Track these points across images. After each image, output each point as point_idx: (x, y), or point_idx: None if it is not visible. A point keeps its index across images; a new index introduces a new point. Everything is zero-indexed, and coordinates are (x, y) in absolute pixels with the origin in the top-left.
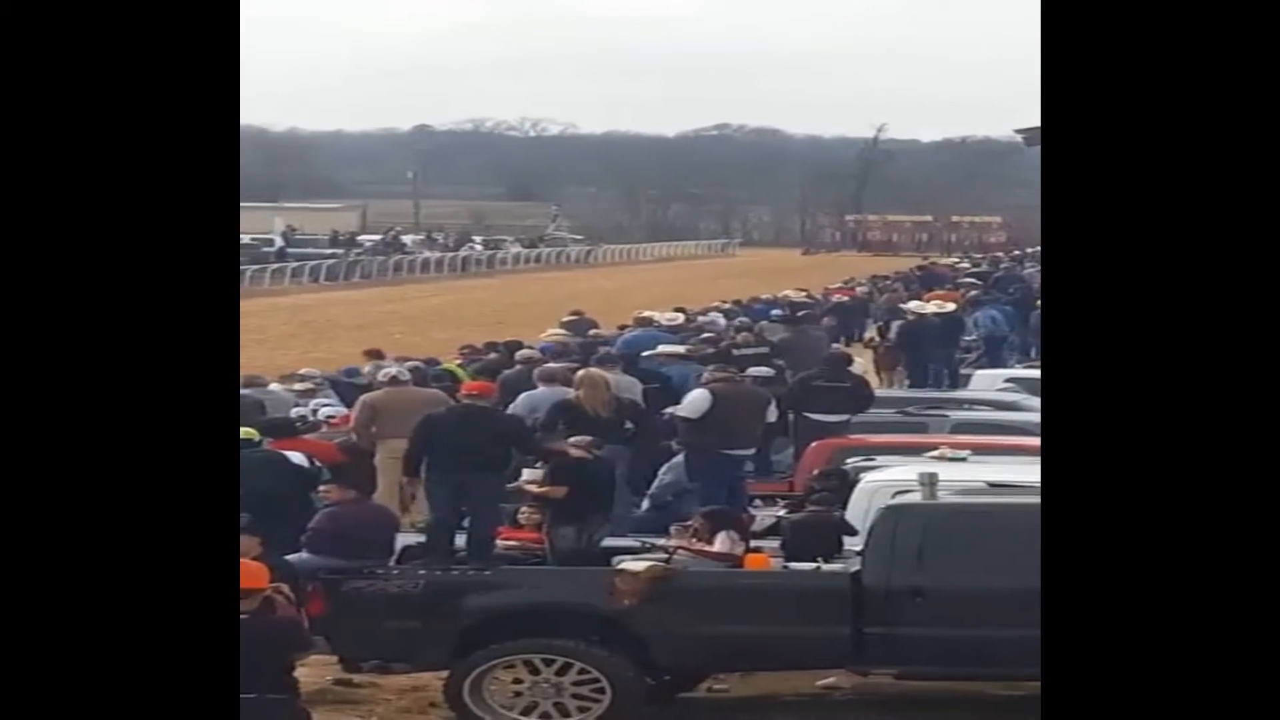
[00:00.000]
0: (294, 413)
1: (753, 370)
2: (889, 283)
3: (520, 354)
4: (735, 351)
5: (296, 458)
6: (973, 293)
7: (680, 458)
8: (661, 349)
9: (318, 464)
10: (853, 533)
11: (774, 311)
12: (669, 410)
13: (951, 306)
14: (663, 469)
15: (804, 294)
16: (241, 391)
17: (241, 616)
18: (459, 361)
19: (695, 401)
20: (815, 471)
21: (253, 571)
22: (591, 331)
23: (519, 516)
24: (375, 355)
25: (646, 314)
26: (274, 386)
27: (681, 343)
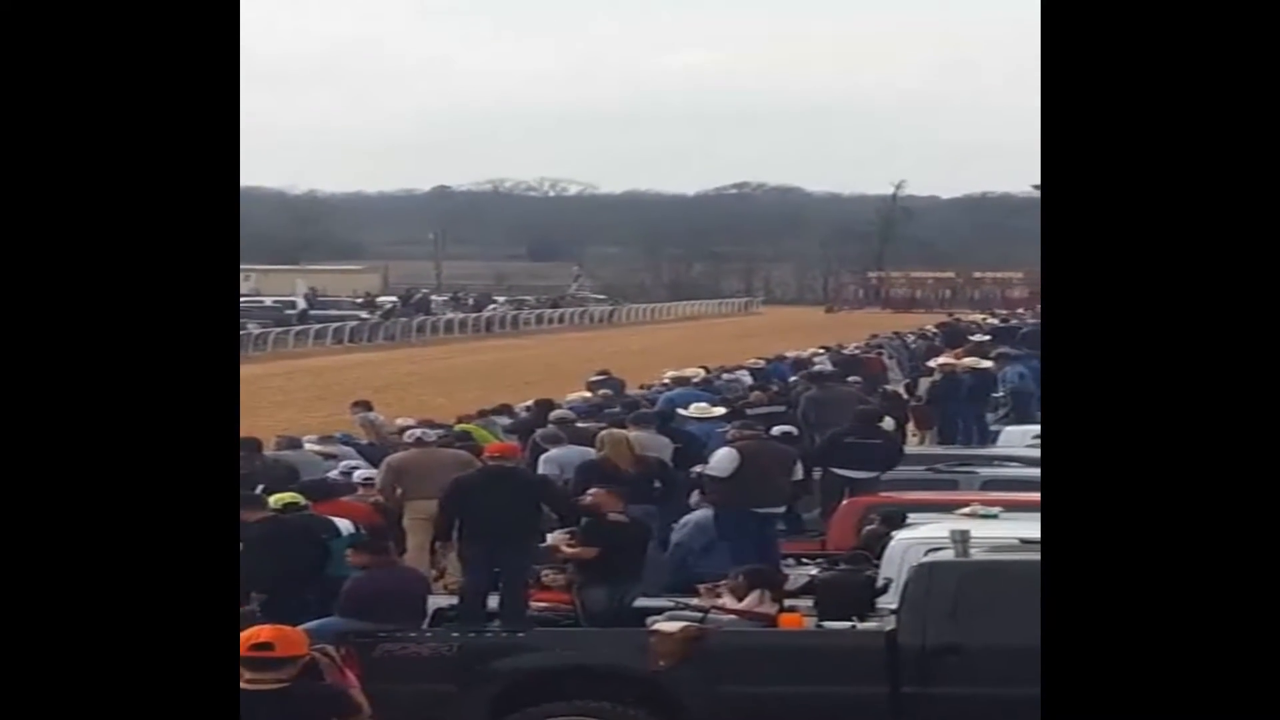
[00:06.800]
0: (330, 475)
1: (776, 428)
2: (912, 340)
3: (554, 414)
4: (749, 411)
5: (341, 522)
6: (999, 349)
7: (696, 515)
8: (694, 408)
9: (358, 528)
10: (884, 591)
11: (792, 376)
12: (696, 469)
13: (986, 364)
14: (678, 524)
15: (823, 352)
16: (276, 455)
17: (283, 686)
18: (476, 422)
19: (723, 460)
20: (864, 531)
21: (291, 639)
22: (632, 390)
23: (542, 578)
24: (364, 406)
25: (685, 373)
26: (306, 448)
27: (721, 402)
